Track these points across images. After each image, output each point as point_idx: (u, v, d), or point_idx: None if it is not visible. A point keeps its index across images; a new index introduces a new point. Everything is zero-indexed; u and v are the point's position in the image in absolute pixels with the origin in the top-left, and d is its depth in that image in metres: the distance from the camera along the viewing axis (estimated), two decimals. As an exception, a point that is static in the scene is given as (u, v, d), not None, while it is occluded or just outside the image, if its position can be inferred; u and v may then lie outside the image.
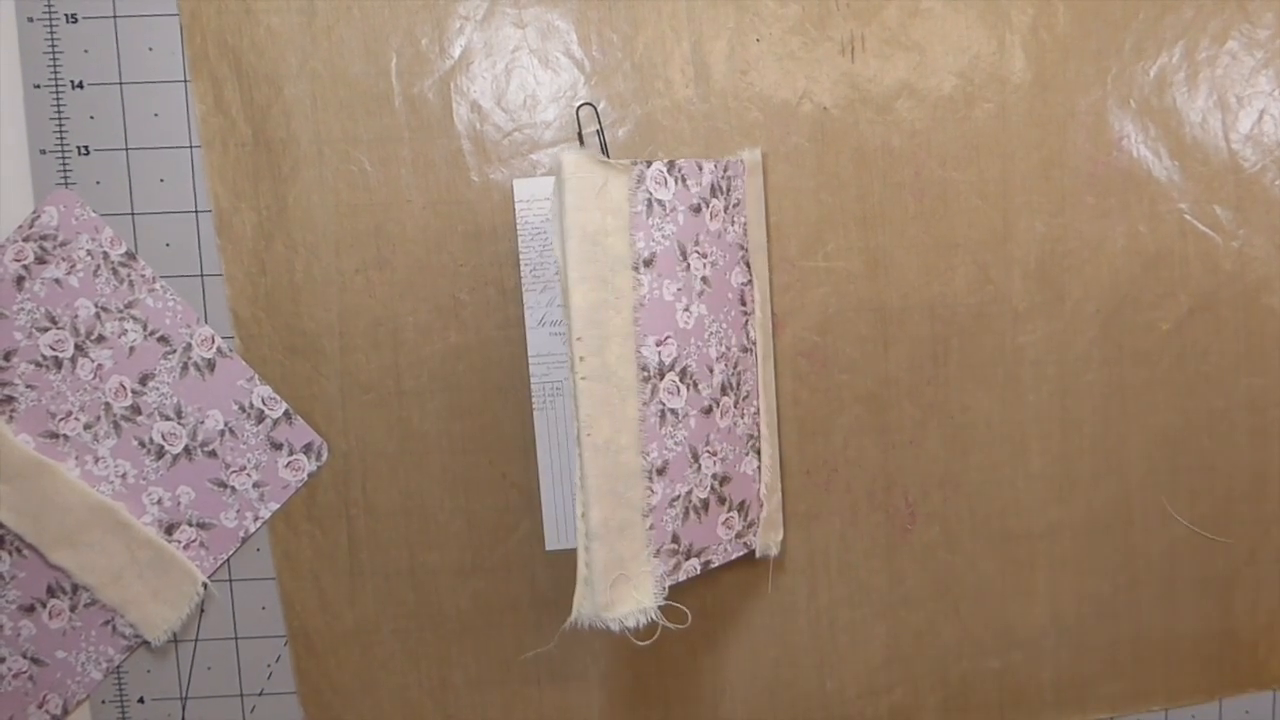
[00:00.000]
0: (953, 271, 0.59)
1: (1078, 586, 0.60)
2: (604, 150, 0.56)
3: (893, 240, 0.58)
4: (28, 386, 0.57)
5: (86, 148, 0.57)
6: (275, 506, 0.59)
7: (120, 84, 0.57)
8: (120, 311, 0.57)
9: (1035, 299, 0.59)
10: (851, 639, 0.61)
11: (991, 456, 0.60)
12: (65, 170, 0.57)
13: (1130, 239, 0.59)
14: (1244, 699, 0.62)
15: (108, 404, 0.57)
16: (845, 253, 0.58)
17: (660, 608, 0.50)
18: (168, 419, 0.57)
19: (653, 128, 0.57)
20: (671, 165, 0.51)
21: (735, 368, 0.54)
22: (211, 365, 0.58)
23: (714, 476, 0.53)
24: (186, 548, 0.58)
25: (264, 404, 0.58)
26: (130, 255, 0.57)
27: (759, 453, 0.57)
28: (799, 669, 0.61)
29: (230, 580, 0.59)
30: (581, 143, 0.57)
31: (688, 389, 0.51)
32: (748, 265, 0.56)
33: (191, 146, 0.57)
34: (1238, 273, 0.59)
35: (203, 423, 0.58)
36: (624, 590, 0.49)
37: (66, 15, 0.56)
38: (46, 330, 0.56)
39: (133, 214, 0.57)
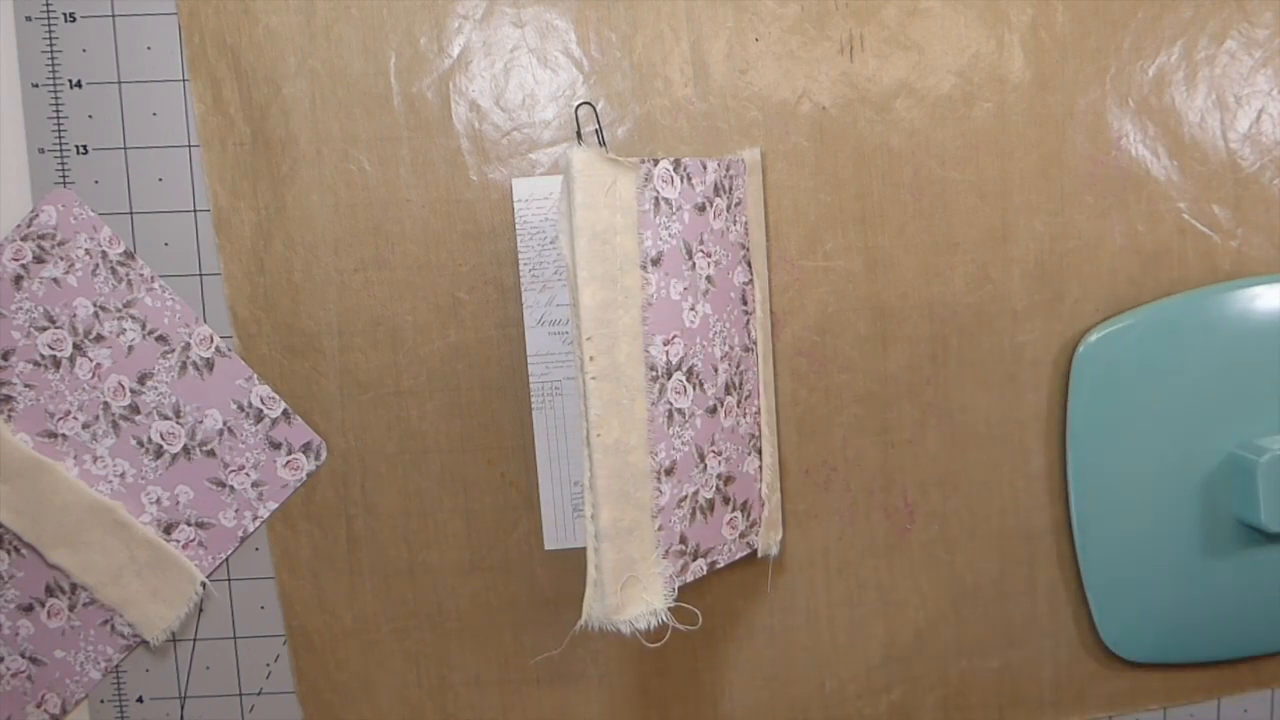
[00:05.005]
0: (952, 271, 0.59)
1: (1077, 586, 0.60)
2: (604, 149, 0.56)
3: (892, 239, 0.58)
4: (26, 386, 0.56)
5: (85, 147, 0.57)
6: (274, 506, 0.58)
7: (119, 83, 0.57)
8: (119, 311, 0.57)
9: (1034, 298, 0.59)
10: (851, 638, 0.61)
11: (991, 456, 0.60)
12: (64, 169, 0.57)
13: (1129, 238, 0.59)
14: (1242, 698, 0.62)
15: (106, 403, 0.57)
16: (844, 252, 0.58)
17: (670, 609, 0.50)
18: (166, 418, 0.57)
19: (652, 127, 0.57)
20: (677, 164, 0.51)
21: (738, 367, 0.54)
22: (210, 364, 0.57)
23: (719, 476, 0.53)
24: (185, 547, 0.58)
25: (263, 403, 0.58)
26: (129, 254, 0.57)
27: (760, 452, 0.57)
28: (798, 668, 0.61)
29: (229, 580, 0.59)
30: (580, 142, 0.57)
31: (694, 389, 0.51)
32: (749, 264, 0.56)
33: (190, 146, 0.57)
34: (1236, 272, 0.59)
35: (201, 422, 0.58)
36: (634, 592, 0.49)
37: (65, 14, 0.56)
38: (45, 329, 0.56)
39: (131, 213, 0.57)
